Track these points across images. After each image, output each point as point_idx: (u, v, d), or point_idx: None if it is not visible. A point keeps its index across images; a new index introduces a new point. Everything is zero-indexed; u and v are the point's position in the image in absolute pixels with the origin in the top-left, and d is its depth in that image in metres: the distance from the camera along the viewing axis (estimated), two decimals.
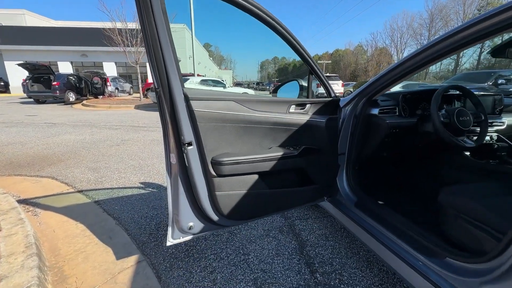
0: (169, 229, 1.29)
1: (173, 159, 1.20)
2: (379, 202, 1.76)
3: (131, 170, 3.43)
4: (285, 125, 1.41)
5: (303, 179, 1.55)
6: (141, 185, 2.94)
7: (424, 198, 1.75)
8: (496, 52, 1.70)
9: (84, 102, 12.55)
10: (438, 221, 1.34)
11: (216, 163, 1.19)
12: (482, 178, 1.55)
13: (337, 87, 16.51)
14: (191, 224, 1.28)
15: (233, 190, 1.26)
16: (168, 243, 1.27)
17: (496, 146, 1.56)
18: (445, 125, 1.46)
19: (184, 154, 1.16)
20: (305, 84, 1.64)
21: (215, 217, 1.29)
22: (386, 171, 2.12)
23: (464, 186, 1.37)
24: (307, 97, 1.57)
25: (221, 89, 9.64)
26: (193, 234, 1.32)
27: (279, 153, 1.35)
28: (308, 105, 1.48)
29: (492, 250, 0.96)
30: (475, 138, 1.55)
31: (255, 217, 1.44)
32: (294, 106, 1.44)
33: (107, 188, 2.84)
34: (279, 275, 1.56)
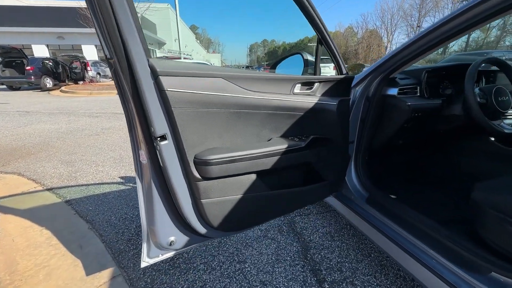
0: (144, 246, 1.00)
1: (143, 157, 0.89)
2: (394, 197, 1.53)
3: (111, 163, 3.08)
4: (289, 110, 1.11)
5: (311, 175, 1.28)
6: (121, 180, 2.62)
7: (451, 194, 1.52)
8: None
9: (63, 88, 11.73)
10: (474, 224, 1.10)
11: (201, 163, 0.89)
12: None
13: (329, 69, 16.11)
14: (172, 238, 1.00)
15: (225, 195, 0.98)
16: (143, 264, 0.99)
17: None
18: (481, 106, 1.20)
19: (157, 151, 0.85)
20: (311, 58, 1.33)
21: (202, 230, 1.01)
22: (403, 161, 1.88)
23: (502, 180, 1.13)
24: (315, 74, 1.27)
25: None
26: (176, 250, 1.05)
27: (282, 146, 1.07)
28: (316, 84, 1.18)
29: None
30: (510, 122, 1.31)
31: (254, 225, 1.17)
32: (299, 85, 1.13)
33: (82, 185, 2.50)
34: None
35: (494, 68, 1.43)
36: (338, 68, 1.27)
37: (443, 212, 1.38)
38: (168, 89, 0.77)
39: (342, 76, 1.22)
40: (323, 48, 1.18)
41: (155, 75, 0.75)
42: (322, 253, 1.59)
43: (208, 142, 0.92)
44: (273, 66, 1.47)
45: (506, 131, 1.22)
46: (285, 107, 1.10)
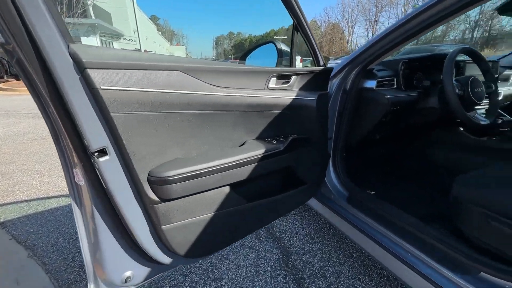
0: (90, 287, 0.79)
1: (79, 177, 0.67)
2: (375, 195, 1.48)
3: (59, 171, 2.67)
4: (265, 108, 0.96)
5: (290, 180, 1.15)
6: None
7: (431, 189, 1.50)
8: (506, 8, 1.45)
9: (0, 85, 10.22)
10: (456, 220, 1.07)
11: (157, 181, 0.70)
12: (492, 160, 1.34)
13: (296, 62, 16.30)
14: (127, 274, 0.80)
15: (191, 217, 0.80)
16: None
17: (499, 121, 1.35)
18: (458, 98, 1.17)
19: (96, 170, 0.64)
20: (285, 48, 1.17)
21: (166, 259, 0.83)
22: (381, 157, 1.84)
23: (480, 173, 1.11)
24: (290, 65, 1.12)
25: None
26: (134, 285, 0.84)
27: (258, 151, 0.91)
28: (293, 78, 1.04)
29: None
30: (483, 113, 1.31)
31: (229, 244, 1.01)
32: (275, 78, 0.98)
33: (21, 201, 2.11)
34: None
35: (465, 58, 1.42)
36: (315, 59, 1.14)
37: (425, 208, 1.35)
38: (103, 87, 0.56)
39: (321, 67, 1.10)
40: (300, 36, 1.04)
41: (80, 67, 0.53)
42: (304, 258, 1.49)
43: (166, 153, 0.73)
44: (242, 57, 1.29)
45: (482, 123, 1.21)
46: (260, 104, 0.94)
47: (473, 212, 1.02)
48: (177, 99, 0.70)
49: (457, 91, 1.18)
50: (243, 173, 0.87)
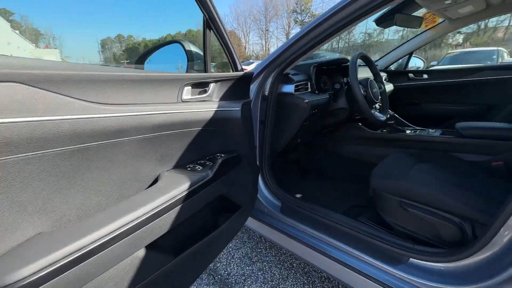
0: None
1: None
2: (307, 199, 1.47)
3: None
4: (181, 126, 0.73)
5: (225, 208, 0.95)
6: None
7: (353, 183, 1.60)
8: (381, 20, 1.70)
9: None
10: (381, 211, 1.15)
11: None
12: (390, 149, 1.55)
13: None
14: None
15: None
16: None
17: (388, 115, 1.59)
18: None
19: None
20: (195, 49, 0.96)
21: None
22: (304, 159, 1.87)
23: (390, 163, 1.24)
24: (205, 70, 0.92)
25: None
26: None
27: (178, 188, 0.67)
28: (212, 85, 0.84)
29: (477, 241, 0.79)
30: (378, 110, 1.50)
31: None
32: (189, 88, 0.76)
33: None
34: None
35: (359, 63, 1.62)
36: (232, 63, 0.99)
37: (351, 203, 1.42)
38: None
39: (241, 72, 0.95)
40: (213, 34, 0.85)
41: None
42: (246, 286, 1.32)
43: (17, 229, 0.40)
44: (139, 61, 0.99)
45: (381, 118, 1.38)
46: (174, 123, 0.70)
47: (391, 202, 1.11)
48: (22, 133, 0.39)
49: (362, 91, 1.29)
50: (163, 225, 0.61)
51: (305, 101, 1.27)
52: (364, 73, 1.67)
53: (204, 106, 0.81)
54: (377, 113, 1.39)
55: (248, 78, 1.01)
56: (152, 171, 0.70)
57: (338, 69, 1.58)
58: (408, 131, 1.60)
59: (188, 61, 0.93)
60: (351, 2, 0.89)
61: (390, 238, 1.04)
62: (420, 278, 0.91)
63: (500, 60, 7.54)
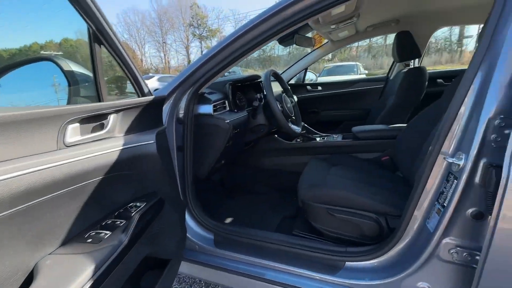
0: None
1: None
2: (241, 224, 1.37)
3: None
4: (67, 183, 0.49)
5: (151, 269, 0.74)
6: None
7: (281, 197, 1.60)
8: (283, 39, 1.82)
9: None
10: (312, 221, 1.18)
11: None
12: (306, 157, 1.66)
13: None
14: None
15: None
16: None
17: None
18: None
19: None
20: (78, 69, 0.72)
21: None
22: (229, 181, 1.76)
23: (309, 172, 1.31)
24: (100, 98, 0.69)
25: None
26: None
27: (71, 280, 0.44)
28: (112, 117, 0.64)
29: (395, 233, 0.90)
30: (293, 123, 1.59)
31: None
32: (76, 125, 0.54)
33: None
34: None
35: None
36: (136, 85, 0.79)
37: (283, 216, 1.42)
38: None
39: (151, 97, 0.77)
40: (105, 49, 0.65)
41: None
42: None
43: None
44: None
45: (297, 130, 1.46)
46: (55, 181, 0.47)
47: (320, 210, 1.16)
48: None
49: (279, 107, 1.32)
50: None
51: (226, 121, 1.18)
52: (274, 88, 1.75)
53: (103, 147, 0.59)
54: (293, 126, 1.46)
55: (159, 102, 0.84)
56: (25, 262, 0.44)
57: (251, 85, 1.58)
58: (318, 139, 1.77)
59: (69, 85, 0.68)
60: (266, 19, 0.89)
61: (324, 246, 1.07)
62: (357, 279, 0.96)
63: (358, 71, 9.88)
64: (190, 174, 1.19)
